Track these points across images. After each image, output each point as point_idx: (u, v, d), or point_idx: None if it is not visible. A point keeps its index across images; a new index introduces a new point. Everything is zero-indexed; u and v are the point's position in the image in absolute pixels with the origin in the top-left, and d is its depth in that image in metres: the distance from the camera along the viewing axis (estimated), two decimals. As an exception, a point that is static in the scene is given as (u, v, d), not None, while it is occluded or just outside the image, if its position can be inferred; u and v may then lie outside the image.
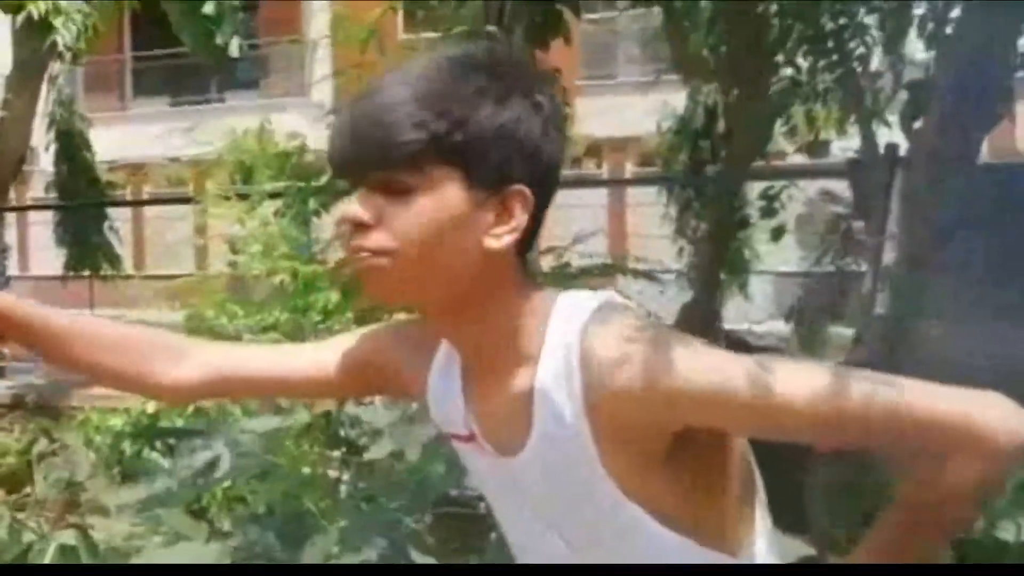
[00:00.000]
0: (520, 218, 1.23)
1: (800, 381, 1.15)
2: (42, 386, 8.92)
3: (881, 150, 5.77)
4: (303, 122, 12.39)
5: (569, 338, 1.22)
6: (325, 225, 5.53)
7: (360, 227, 1.23)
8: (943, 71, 5.37)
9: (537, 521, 1.32)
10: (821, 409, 1.14)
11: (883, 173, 5.68)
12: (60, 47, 10.04)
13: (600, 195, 13.58)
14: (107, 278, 14.03)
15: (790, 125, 4.75)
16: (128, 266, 15.27)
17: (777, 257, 8.98)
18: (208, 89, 18.17)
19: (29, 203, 17.02)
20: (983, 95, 5.28)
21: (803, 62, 4.23)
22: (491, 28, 4.01)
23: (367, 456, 3.28)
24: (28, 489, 4.81)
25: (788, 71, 4.24)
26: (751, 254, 9.78)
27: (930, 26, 5.73)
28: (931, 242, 5.29)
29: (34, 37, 9.99)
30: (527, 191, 1.24)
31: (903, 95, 5.89)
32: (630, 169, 14.06)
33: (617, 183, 12.45)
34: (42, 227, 15.74)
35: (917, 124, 5.62)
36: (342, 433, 3.67)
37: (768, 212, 4.79)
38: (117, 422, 7.01)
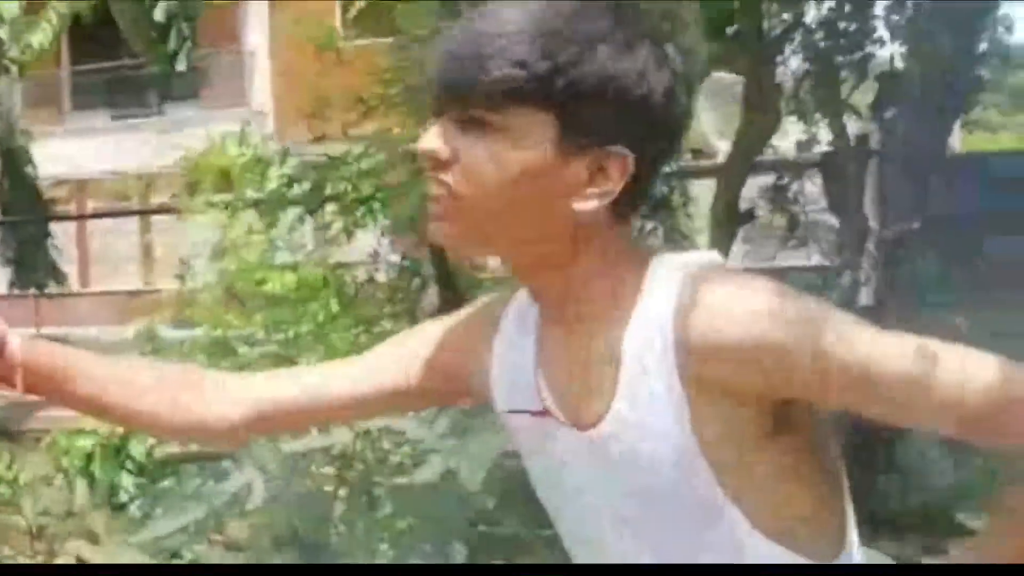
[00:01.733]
0: (614, 183, 1.12)
1: (917, 351, 1.06)
2: (1, 408, 8.65)
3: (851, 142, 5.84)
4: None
5: (664, 293, 1.13)
6: (309, 233, 5.46)
7: (437, 161, 1.13)
8: (913, 61, 5.46)
9: (607, 511, 1.19)
10: (920, 375, 1.06)
11: (856, 164, 5.74)
12: (5, 59, 9.77)
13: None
14: (52, 296, 13.75)
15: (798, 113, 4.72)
16: (73, 283, 14.97)
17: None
18: (148, 102, 17.89)
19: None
20: (953, 85, 5.38)
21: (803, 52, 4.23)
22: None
23: (417, 478, 3.10)
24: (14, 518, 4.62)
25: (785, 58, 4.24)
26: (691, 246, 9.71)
27: (896, 17, 5.83)
28: (907, 232, 5.35)
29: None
30: (628, 154, 1.12)
31: (870, 85, 5.97)
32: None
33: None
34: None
35: (888, 114, 5.70)
36: (385, 447, 3.45)
37: (778, 206, 4.78)
38: (86, 443, 6.81)
